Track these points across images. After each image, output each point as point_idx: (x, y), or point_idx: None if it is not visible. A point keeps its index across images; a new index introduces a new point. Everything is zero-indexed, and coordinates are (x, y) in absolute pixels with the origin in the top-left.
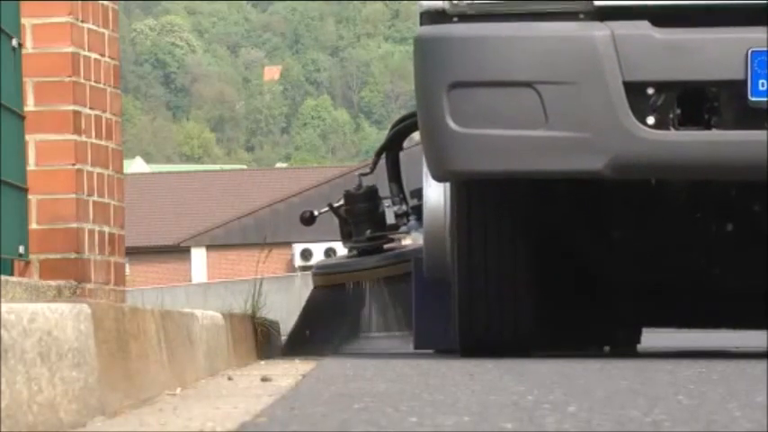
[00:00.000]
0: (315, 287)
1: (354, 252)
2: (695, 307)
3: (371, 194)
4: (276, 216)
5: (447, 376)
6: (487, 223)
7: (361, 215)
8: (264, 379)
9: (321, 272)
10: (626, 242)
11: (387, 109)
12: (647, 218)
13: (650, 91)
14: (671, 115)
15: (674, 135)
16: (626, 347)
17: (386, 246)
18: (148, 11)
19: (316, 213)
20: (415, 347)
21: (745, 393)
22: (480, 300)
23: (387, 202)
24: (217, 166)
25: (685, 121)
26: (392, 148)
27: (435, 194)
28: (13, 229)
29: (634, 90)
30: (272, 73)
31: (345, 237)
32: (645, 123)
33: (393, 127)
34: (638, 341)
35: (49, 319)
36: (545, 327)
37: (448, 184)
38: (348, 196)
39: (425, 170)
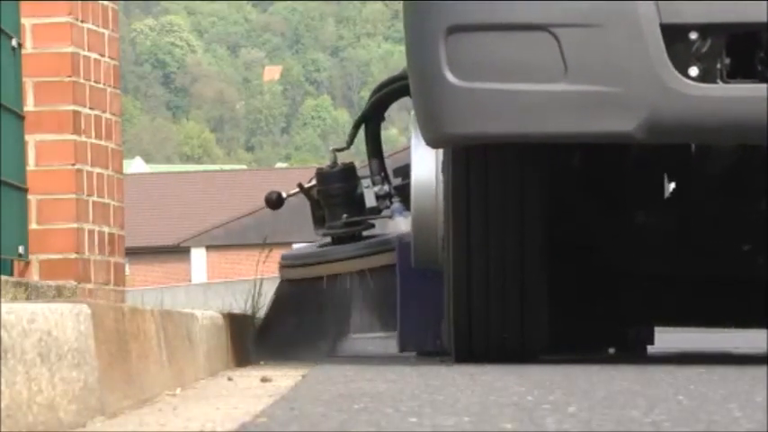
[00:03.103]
0: (282, 281)
1: (329, 240)
2: (716, 303)
3: (348, 173)
4: (276, 216)
5: (447, 377)
6: (489, 200)
7: (335, 197)
8: (264, 379)
9: (290, 263)
10: (649, 225)
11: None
12: (676, 195)
13: (693, 36)
14: (718, 65)
15: (721, 89)
16: (637, 349)
17: (365, 232)
18: (148, 11)
19: (284, 195)
20: (401, 350)
21: (745, 394)
22: (480, 294)
23: (366, 182)
24: (217, 166)
25: (735, 73)
26: (372, 118)
27: (426, 166)
28: (12, 229)
29: (674, 34)
30: (272, 73)
31: (318, 222)
32: (686, 75)
33: (374, 93)
34: (652, 342)
35: (49, 319)
36: (548, 326)
37: (441, 154)
38: (321, 175)
39: (414, 137)
